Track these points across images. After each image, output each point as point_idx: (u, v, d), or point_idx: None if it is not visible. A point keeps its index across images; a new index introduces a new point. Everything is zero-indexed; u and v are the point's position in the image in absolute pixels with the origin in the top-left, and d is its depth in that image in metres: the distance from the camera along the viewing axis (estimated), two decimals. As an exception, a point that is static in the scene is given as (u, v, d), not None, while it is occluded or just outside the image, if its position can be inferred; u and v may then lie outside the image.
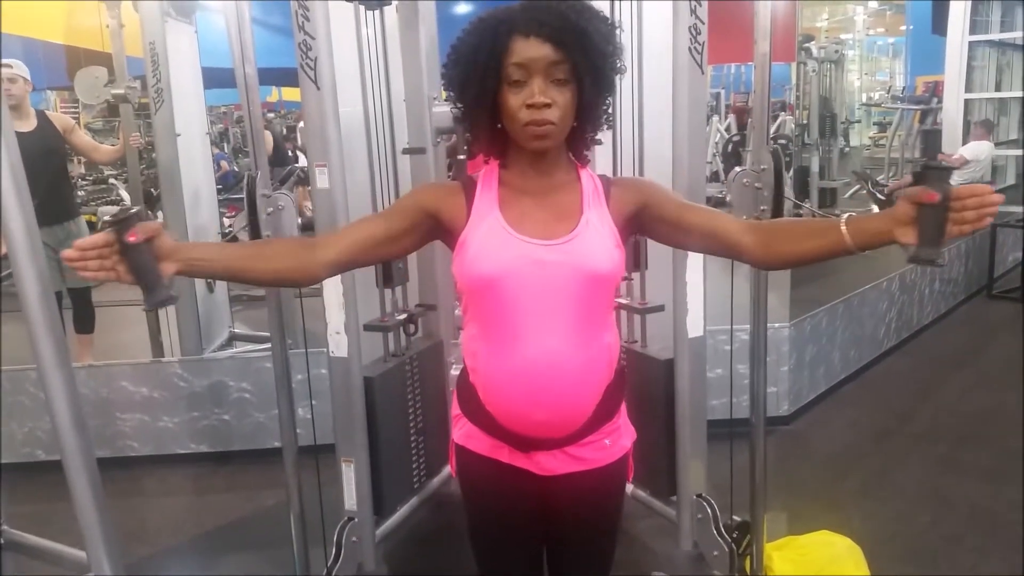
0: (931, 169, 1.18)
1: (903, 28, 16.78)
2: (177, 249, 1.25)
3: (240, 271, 1.37)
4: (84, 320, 4.36)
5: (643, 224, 1.48)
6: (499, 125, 1.39)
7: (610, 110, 1.43)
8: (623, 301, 2.84)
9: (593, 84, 1.34)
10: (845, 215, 1.31)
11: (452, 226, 1.43)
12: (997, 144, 9.76)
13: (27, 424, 3.64)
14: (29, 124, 4.04)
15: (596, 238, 1.40)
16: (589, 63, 1.31)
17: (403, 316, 2.82)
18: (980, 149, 7.75)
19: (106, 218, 1.18)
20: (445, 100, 1.45)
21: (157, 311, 4.25)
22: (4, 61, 3.98)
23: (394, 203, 1.49)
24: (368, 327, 2.68)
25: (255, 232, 2.35)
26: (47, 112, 4.30)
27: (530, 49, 1.29)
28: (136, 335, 4.45)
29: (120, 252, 1.19)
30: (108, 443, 3.68)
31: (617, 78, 1.39)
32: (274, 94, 12.92)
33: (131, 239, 1.16)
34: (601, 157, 2.77)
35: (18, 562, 2.52)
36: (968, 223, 1.17)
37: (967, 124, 8.58)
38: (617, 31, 1.38)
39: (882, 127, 14.36)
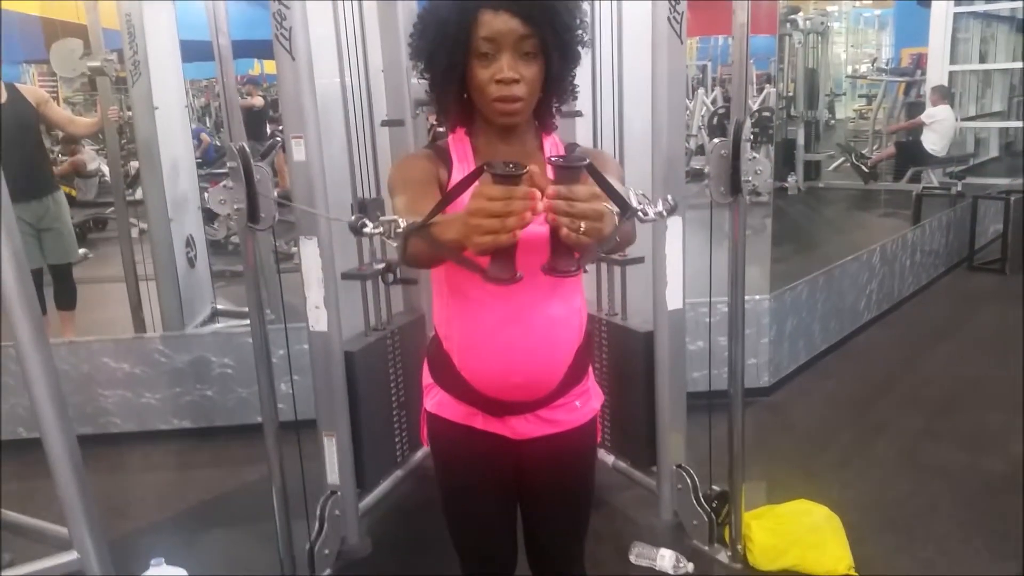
0: (557, 167, 1.04)
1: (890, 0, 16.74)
2: None
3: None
4: (65, 296, 4.33)
5: None
6: (466, 95, 1.39)
7: (576, 81, 1.44)
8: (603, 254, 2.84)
9: (561, 58, 1.35)
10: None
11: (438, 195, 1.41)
12: (980, 116, 9.83)
13: (9, 401, 3.62)
14: None
15: None
16: (557, 38, 1.32)
17: (381, 265, 2.81)
18: (935, 112, 8.21)
19: (492, 167, 1.00)
20: (414, 70, 1.41)
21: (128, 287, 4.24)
22: None
23: (409, 177, 1.39)
24: (346, 275, 2.67)
25: (253, 208, 2.24)
26: (18, 85, 4.23)
27: (499, 23, 1.29)
28: (118, 311, 4.42)
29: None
30: (90, 420, 3.67)
31: (583, 50, 1.39)
32: (256, 67, 12.75)
33: (547, 196, 0.99)
34: (581, 129, 2.77)
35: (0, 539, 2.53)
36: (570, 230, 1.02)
37: (951, 96, 8.66)
38: (584, 4, 1.38)
39: (868, 99, 14.35)
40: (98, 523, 2.15)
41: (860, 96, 15.43)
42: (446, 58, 1.33)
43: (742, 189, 2.32)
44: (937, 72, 8.67)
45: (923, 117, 8.24)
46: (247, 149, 2.29)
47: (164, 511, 3.14)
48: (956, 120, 8.43)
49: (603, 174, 1.28)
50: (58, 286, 4.30)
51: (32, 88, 4.49)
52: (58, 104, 8.41)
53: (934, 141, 8.12)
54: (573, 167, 1.03)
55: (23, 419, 3.60)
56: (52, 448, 2.06)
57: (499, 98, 1.32)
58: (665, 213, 1.24)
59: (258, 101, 8.86)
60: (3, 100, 3.96)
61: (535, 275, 1.39)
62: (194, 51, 4.88)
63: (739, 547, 2.59)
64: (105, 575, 2.11)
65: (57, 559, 2.13)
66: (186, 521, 3.07)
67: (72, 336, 4.17)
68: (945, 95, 8.39)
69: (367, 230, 1.27)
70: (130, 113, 4.38)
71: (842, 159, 9.45)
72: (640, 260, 2.73)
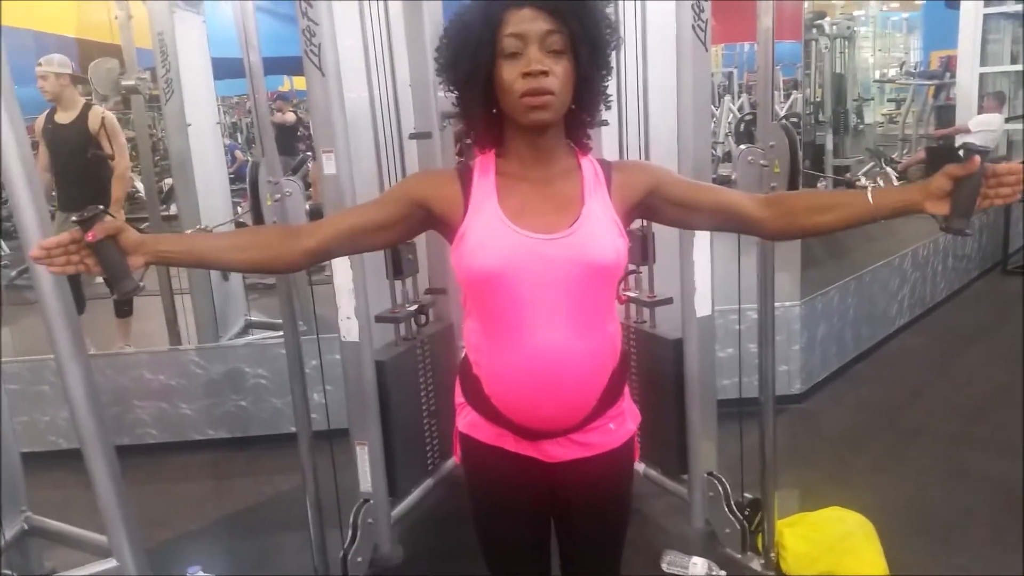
0: (971, 150, 1.28)
1: (918, 3, 16.55)
2: (143, 243, 1.30)
3: (213, 261, 1.41)
4: (120, 305, 4.45)
5: (651, 208, 1.46)
6: (494, 111, 1.36)
7: (608, 90, 1.41)
8: (632, 294, 2.85)
9: (590, 56, 1.32)
10: (871, 186, 1.40)
11: (447, 218, 1.40)
12: (1012, 118, 9.65)
13: (48, 413, 3.70)
14: (70, 116, 4.19)
15: (599, 229, 1.37)
16: (585, 33, 1.30)
17: (414, 307, 2.84)
18: (988, 120, 7.83)
19: (73, 218, 1.27)
20: (441, 85, 1.42)
21: (172, 299, 4.32)
22: (42, 59, 4.16)
23: (387, 191, 1.48)
24: (380, 318, 2.70)
25: (257, 218, 2.38)
26: (96, 108, 4.33)
27: (524, 20, 1.28)
28: (154, 324, 4.50)
29: (88, 248, 1.27)
30: (128, 431, 3.74)
31: (612, 55, 1.38)
32: (286, 83, 12.91)
33: (88, 238, 1.25)
34: (606, 138, 2.78)
35: (42, 547, 2.58)
36: (1001, 197, 1.30)
37: (983, 98, 8.50)
38: (610, 6, 1.38)
39: (897, 104, 14.19)
40: (136, 531, 2.19)
41: (889, 100, 15.26)
42: (470, 60, 1.31)
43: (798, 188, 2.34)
44: (967, 74, 8.54)
45: (971, 124, 7.95)
46: (258, 165, 2.35)
47: (200, 520, 3.19)
48: (1002, 124, 8.19)
49: (681, 178, 1.51)
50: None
51: (100, 113, 4.35)
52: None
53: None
54: (983, 150, 1.28)
55: (63, 430, 3.68)
56: (91, 458, 2.11)
57: (528, 91, 1.29)
58: None
59: (290, 117, 9.02)
60: (72, 118, 4.17)
61: (562, 299, 1.36)
62: (225, 68, 4.98)
63: (772, 554, 2.57)
64: (144, 582, 2.15)
65: (97, 567, 2.19)
66: (222, 529, 3.12)
67: (127, 342, 4.34)
68: (1003, 101, 8.15)
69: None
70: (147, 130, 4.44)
71: (871, 164, 9.36)
72: (669, 301, 2.72)
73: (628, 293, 2.85)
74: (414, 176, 1.58)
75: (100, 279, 1.35)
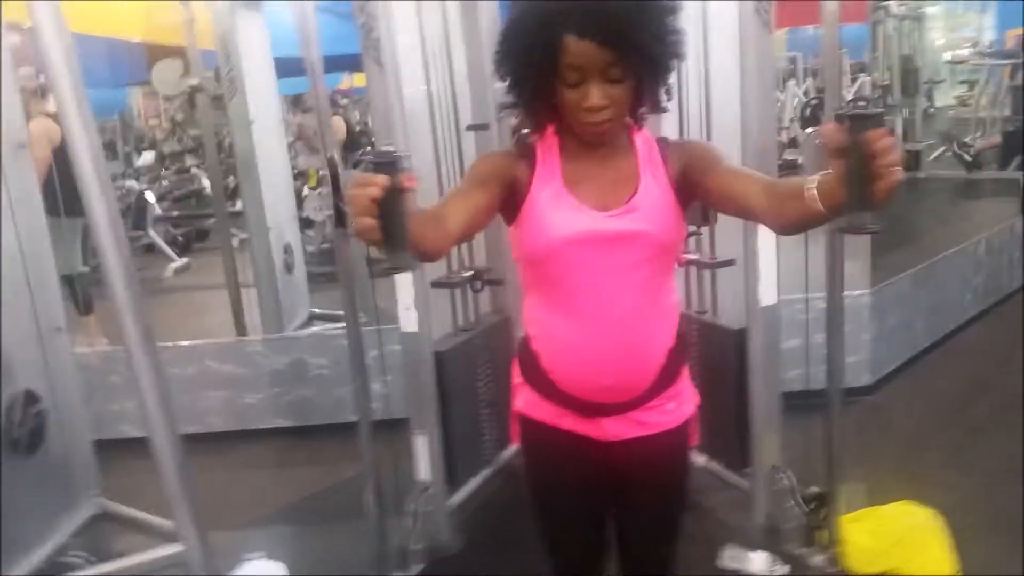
0: (853, 117, 0.98)
1: (992, -20, 15.92)
2: None
3: (419, 237, 1.16)
4: (84, 301, 4.51)
5: (688, 186, 1.41)
6: (554, 100, 1.34)
7: (669, 84, 1.38)
8: (692, 256, 2.81)
9: (651, 75, 1.31)
10: (819, 173, 1.11)
11: (518, 193, 1.40)
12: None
13: (118, 402, 3.81)
14: None
15: (654, 204, 1.38)
16: (647, 61, 1.28)
17: (469, 273, 2.86)
18: None
19: (367, 157, 1.04)
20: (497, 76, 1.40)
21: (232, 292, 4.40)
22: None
23: (475, 174, 1.43)
24: (436, 284, 2.72)
25: (339, 213, 2.31)
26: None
27: (585, 51, 1.24)
28: (220, 317, 4.60)
29: (376, 201, 1.00)
30: (196, 420, 3.82)
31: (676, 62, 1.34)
32: (346, 81, 13.06)
33: (406, 185, 0.99)
34: (667, 124, 2.74)
35: (112, 530, 2.67)
36: (882, 177, 0.99)
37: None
38: (678, 10, 1.32)
39: (970, 85, 13.67)
40: (201, 517, 2.25)
41: (960, 83, 14.70)
42: (534, 81, 1.31)
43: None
44: (1046, 54, 8.19)
45: None
46: (336, 158, 2.36)
47: (264, 507, 3.26)
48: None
49: (717, 159, 1.38)
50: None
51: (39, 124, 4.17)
52: (160, 120, 8.74)
53: None
54: (873, 115, 0.98)
55: (132, 419, 3.77)
56: (159, 446, 2.17)
57: (588, 123, 1.31)
58: None
59: (340, 127, 8.51)
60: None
61: (622, 275, 1.38)
62: (287, 68, 5.05)
63: (836, 550, 2.51)
64: (207, 566, 2.21)
65: (163, 550, 2.25)
66: (285, 517, 3.18)
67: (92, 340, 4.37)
68: None
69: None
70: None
71: (943, 148, 9.06)
72: (731, 263, 2.68)
73: (689, 255, 2.80)
74: (489, 157, 1.54)
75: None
